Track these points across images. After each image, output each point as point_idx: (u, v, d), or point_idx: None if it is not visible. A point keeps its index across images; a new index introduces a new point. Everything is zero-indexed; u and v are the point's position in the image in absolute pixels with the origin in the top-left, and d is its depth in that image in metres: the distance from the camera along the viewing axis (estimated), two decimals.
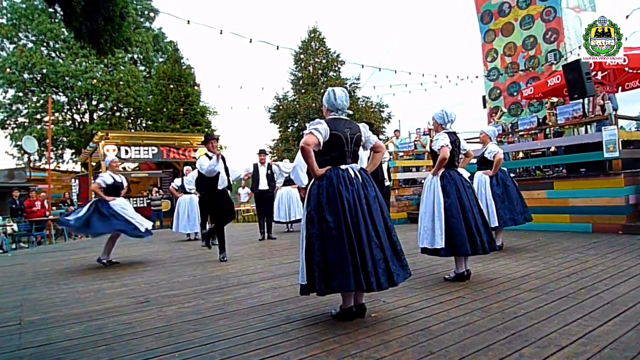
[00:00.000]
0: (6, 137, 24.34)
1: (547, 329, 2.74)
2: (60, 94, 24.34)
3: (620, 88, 10.63)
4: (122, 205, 6.74)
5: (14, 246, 12.25)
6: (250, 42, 9.64)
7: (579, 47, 12.26)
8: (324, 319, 3.21)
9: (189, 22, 8.48)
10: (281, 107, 28.00)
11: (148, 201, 16.53)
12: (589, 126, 8.63)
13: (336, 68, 28.42)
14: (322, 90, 25.11)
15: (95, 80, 22.10)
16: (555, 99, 10.71)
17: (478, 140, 6.08)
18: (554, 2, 12.82)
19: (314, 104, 25.47)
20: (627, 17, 9.70)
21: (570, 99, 8.73)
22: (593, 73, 8.79)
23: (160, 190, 16.81)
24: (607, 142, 6.99)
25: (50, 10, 23.03)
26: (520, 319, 2.97)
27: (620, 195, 6.88)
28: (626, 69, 9.50)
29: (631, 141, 7.85)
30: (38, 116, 24.19)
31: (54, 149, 24.86)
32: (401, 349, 2.54)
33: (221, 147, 23.73)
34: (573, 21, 13.02)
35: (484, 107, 14.95)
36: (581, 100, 8.50)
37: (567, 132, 9.79)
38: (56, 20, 23.42)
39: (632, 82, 10.75)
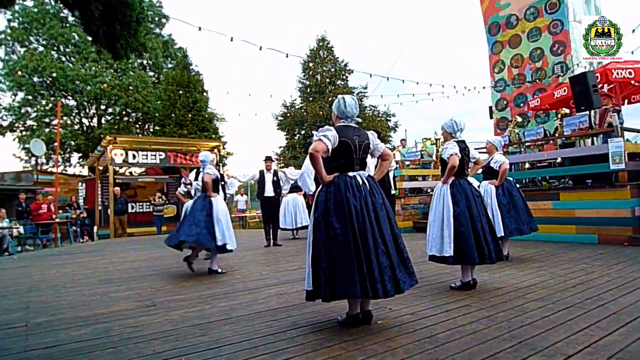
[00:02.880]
0: (14, 139, 24.55)
1: (553, 338, 2.74)
2: (69, 97, 24.55)
3: (626, 101, 10.64)
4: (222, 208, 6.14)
5: (19, 249, 12.33)
6: (260, 49, 9.73)
7: (585, 60, 12.31)
8: (330, 325, 3.22)
9: (200, 28, 8.59)
10: (288, 115, 28.13)
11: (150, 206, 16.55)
12: (595, 138, 8.63)
13: (344, 77, 28.55)
14: (330, 99, 25.24)
15: (104, 85, 22.30)
16: (566, 110, 10.72)
17: (484, 150, 6.09)
18: (561, 15, 12.87)
19: (321, 112, 25.56)
20: (633, 31, 9.72)
21: (577, 110, 8.75)
22: (600, 86, 8.81)
23: (163, 196, 16.87)
24: (614, 154, 6.99)
25: (62, 14, 23.39)
26: (527, 327, 2.97)
27: (627, 207, 6.86)
28: (632, 82, 9.51)
29: (637, 153, 7.84)
30: (47, 119, 24.38)
31: (62, 152, 25.03)
32: (408, 356, 2.55)
33: (222, 160, 23.74)
34: (580, 34, 13.04)
35: (491, 117, 14.95)
36: (587, 112, 8.51)
37: (576, 144, 9.78)
38: (67, 25, 23.72)
39: (638, 95, 10.76)
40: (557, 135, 9.75)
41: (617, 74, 8.59)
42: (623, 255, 5.84)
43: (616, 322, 2.99)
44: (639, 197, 7.03)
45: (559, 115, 10.44)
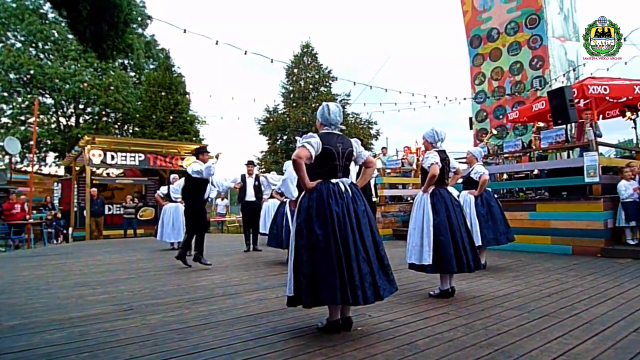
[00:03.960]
0: None
1: (529, 346, 2.80)
2: (47, 95, 24.00)
3: (601, 116, 10.97)
4: None
5: None
6: (246, 54, 9.71)
7: (563, 75, 12.69)
8: (310, 332, 3.22)
9: (185, 31, 8.52)
10: (271, 120, 28.06)
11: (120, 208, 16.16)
12: (571, 151, 8.87)
13: (327, 84, 28.67)
14: (313, 105, 25.30)
15: (84, 84, 21.88)
16: (542, 124, 11.00)
17: (465, 160, 6.20)
18: (541, 31, 13.23)
19: (304, 118, 25.60)
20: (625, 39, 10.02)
21: (554, 124, 8.99)
22: (576, 101, 9.07)
23: (135, 199, 16.61)
24: (588, 167, 7.19)
25: (42, 11, 22.92)
26: (503, 335, 3.03)
27: (600, 219, 7.07)
28: (607, 98, 9.81)
29: (610, 167, 8.09)
30: (22, 117, 23.79)
31: (37, 151, 24.44)
32: None
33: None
34: (558, 50, 13.44)
35: (471, 128, 15.22)
36: (564, 126, 8.75)
37: (550, 157, 10.03)
38: (47, 22, 23.24)
39: (612, 111, 11.11)
40: (533, 147, 9.98)
41: (593, 89, 8.86)
42: (596, 266, 6.01)
43: (589, 331, 3.08)
44: (612, 209, 7.24)
45: (534, 128, 10.71)
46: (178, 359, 2.72)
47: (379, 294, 3.04)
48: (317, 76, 28.26)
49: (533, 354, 2.66)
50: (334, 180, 3.20)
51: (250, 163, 9.01)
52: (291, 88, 28.58)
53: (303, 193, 3.26)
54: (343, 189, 3.18)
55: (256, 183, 8.76)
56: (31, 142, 16.14)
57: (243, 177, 8.78)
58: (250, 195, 8.67)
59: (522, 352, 2.70)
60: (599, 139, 9.33)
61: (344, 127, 3.44)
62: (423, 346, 2.84)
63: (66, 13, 3.17)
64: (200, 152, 6.76)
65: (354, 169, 4.62)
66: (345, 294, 2.90)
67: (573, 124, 8.87)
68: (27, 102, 23.07)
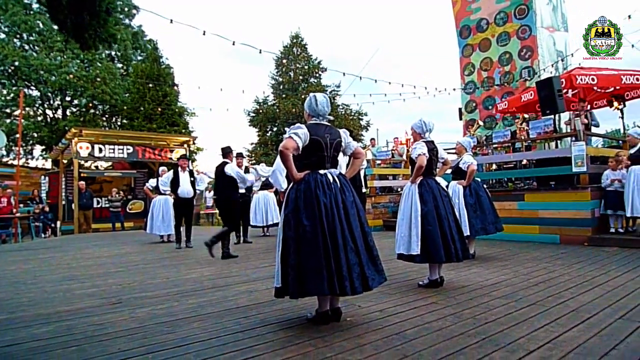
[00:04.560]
0: None
1: (516, 334, 2.83)
2: (32, 88, 23.62)
3: (589, 106, 11.05)
4: None
5: None
6: (234, 44, 9.62)
7: (552, 65, 12.75)
8: (300, 323, 3.22)
9: (172, 21, 8.40)
10: (261, 111, 27.93)
11: (107, 202, 15.98)
12: (559, 141, 8.93)
13: (317, 75, 28.56)
14: (303, 96, 25.18)
15: (70, 76, 21.55)
16: (527, 115, 11.06)
17: (454, 150, 6.22)
18: (530, 21, 13.25)
19: (293, 109, 25.49)
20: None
21: (543, 114, 9.04)
22: (564, 91, 9.12)
23: (122, 192, 16.45)
24: (576, 157, 7.26)
25: (26, 1, 22.45)
26: (491, 324, 3.05)
27: (587, 208, 7.14)
28: (595, 88, 9.90)
29: (598, 157, 8.17)
30: (8, 110, 23.40)
31: (24, 144, 24.10)
32: (375, 352, 2.58)
33: (192, 156, 23.44)
34: (547, 40, 13.47)
35: (460, 119, 15.27)
36: (552, 116, 8.80)
37: (539, 147, 10.11)
38: (31, 12, 22.80)
39: (600, 101, 11.21)
40: (521, 138, 10.04)
41: (581, 79, 8.92)
42: (583, 254, 6.08)
43: (575, 319, 3.11)
44: (599, 199, 7.32)
45: (518, 120, 10.79)
46: (166, 351, 2.71)
47: (368, 285, 3.04)
48: (306, 67, 28.13)
49: (520, 342, 2.68)
50: (322, 171, 3.19)
51: (239, 155, 8.94)
52: (281, 79, 28.45)
53: (291, 184, 3.24)
54: (331, 180, 3.17)
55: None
56: (17, 135, 15.89)
57: None
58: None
59: (509, 340, 2.72)
60: (595, 128, 9.44)
61: (332, 118, 3.41)
62: (411, 336, 2.86)
63: (46, 2, 3.10)
64: (229, 152, 7.12)
65: (344, 159, 4.62)
66: (333, 285, 2.90)
67: (561, 114, 8.91)
68: (12, 95, 22.67)
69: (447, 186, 4.78)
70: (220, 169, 6.92)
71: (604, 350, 2.52)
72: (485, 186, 6.45)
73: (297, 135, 3.10)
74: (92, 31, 3.23)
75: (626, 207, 6.75)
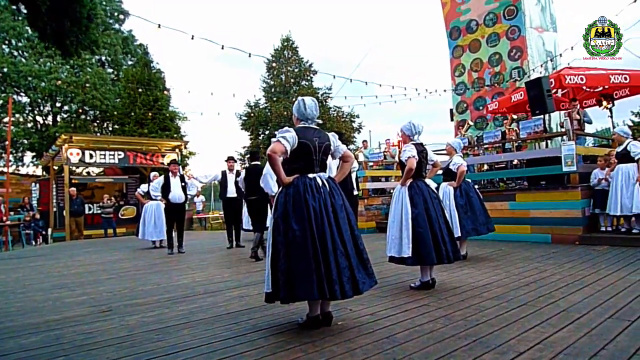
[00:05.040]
0: None
1: (506, 335, 2.83)
2: (22, 94, 23.42)
3: (578, 105, 11.14)
4: None
5: None
6: (222, 48, 9.58)
7: (541, 65, 12.84)
8: (291, 328, 3.21)
9: (159, 26, 8.37)
10: (252, 115, 27.90)
11: (98, 208, 15.83)
12: (549, 141, 8.98)
13: (308, 77, 28.60)
14: (294, 99, 25.17)
15: (59, 82, 21.37)
16: (515, 116, 11.13)
17: (445, 152, 6.23)
18: (519, 22, 13.35)
19: (285, 112, 25.47)
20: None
21: (532, 114, 9.09)
22: (554, 90, 9.18)
23: (113, 198, 16.34)
24: (566, 156, 7.30)
25: (14, 7, 22.28)
26: (482, 326, 3.05)
27: (577, 207, 7.19)
28: (584, 87, 9.98)
29: (588, 156, 8.23)
30: None
31: (14, 151, 23.87)
32: (366, 357, 2.57)
33: (184, 161, 23.38)
34: (536, 40, 13.58)
35: (452, 120, 15.34)
36: (542, 116, 8.85)
37: (530, 147, 10.16)
38: (19, 18, 22.58)
39: (589, 100, 11.31)
40: (510, 138, 10.09)
41: (570, 79, 8.98)
42: (574, 254, 6.11)
43: (565, 319, 3.12)
44: (589, 198, 7.37)
45: (506, 121, 10.86)
46: (156, 359, 2.68)
47: (358, 288, 3.03)
48: (297, 70, 28.15)
49: (510, 343, 2.68)
50: (311, 175, 3.18)
51: (230, 159, 8.92)
52: (272, 82, 28.45)
53: (280, 188, 3.23)
54: (320, 184, 3.16)
55: (237, 179, 8.68)
56: (6, 142, 15.73)
57: (224, 174, 8.69)
58: (232, 192, 8.59)
59: (499, 341, 2.72)
60: (588, 125, 9.49)
61: (320, 121, 3.41)
62: (402, 339, 2.85)
63: (25, 8, 3.06)
64: (256, 153, 7.75)
65: (334, 163, 4.61)
66: (323, 289, 2.88)
67: (551, 114, 8.94)
68: (0, 101, 22.47)
69: (437, 188, 4.79)
70: (257, 169, 6.90)
71: (593, 350, 2.52)
72: (476, 187, 6.47)
73: (285, 139, 3.09)
74: (73, 38, 3.19)
75: (610, 205, 6.79)
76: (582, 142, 8.52)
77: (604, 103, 10.29)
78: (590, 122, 9.77)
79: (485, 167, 10.72)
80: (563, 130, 8.60)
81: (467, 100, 14.80)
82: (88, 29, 3.30)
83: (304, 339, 2.92)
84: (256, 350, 2.76)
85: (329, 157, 3.41)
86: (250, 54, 10.29)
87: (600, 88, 10.14)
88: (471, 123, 13.18)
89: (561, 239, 7.24)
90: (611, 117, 10.35)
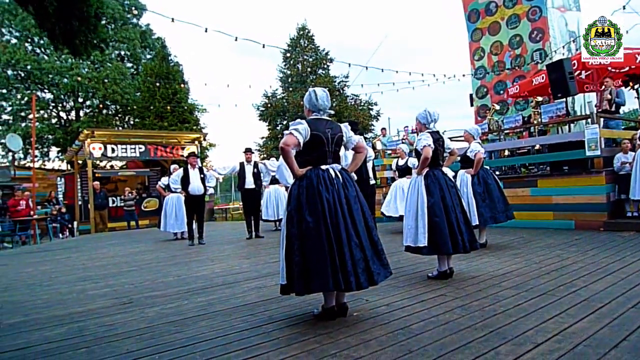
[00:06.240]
0: None
1: (524, 326, 2.78)
2: (45, 91, 23.98)
3: (603, 87, 10.78)
4: None
5: None
6: (236, 40, 9.59)
7: (563, 47, 12.45)
8: (306, 319, 3.22)
9: (173, 20, 8.41)
10: (270, 105, 27.89)
11: (121, 201, 16.14)
12: (572, 124, 8.74)
13: (325, 66, 28.38)
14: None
15: (80, 78, 21.78)
16: (540, 98, 10.84)
17: (462, 138, 6.14)
18: (540, 2, 12.95)
19: (302, 102, 25.37)
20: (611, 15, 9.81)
21: (554, 98, 8.85)
22: (577, 72, 8.90)
23: (134, 191, 16.62)
24: (589, 140, 7.09)
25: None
26: (499, 316, 3.01)
27: (602, 192, 6.99)
28: (609, 68, 9.63)
29: (612, 139, 7.98)
30: (22, 114, 23.80)
31: (40, 146, 24.52)
32: (380, 348, 2.57)
33: (203, 153, 23.59)
34: (558, 21, 13.16)
35: (471, 105, 15.06)
36: (564, 99, 8.61)
37: (552, 131, 9.91)
38: None
39: (615, 82, 10.90)
40: (533, 122, 9.85)
41: (594, 60, 8.69)
42: (598, 240, 5.96)
43: (586, 309, 3.05)
44: (614, 182, 7.16)
45: (533, 103, 10.56)
46: (173, 351, 2.73)
47: (373, 279, 3.02)
48: (313, 59, 27.96)
49: (528, 335, 2.64)
50: (324, 167, 3.16)
51: (248, 150, 8.97)
52: (289, 72, 28.33)
53: (293, 180, 3.23)
54: (333, 175, 3.14)
55: (255, 170, 8.73)
56: (32, 139, 16.16)
57: (242, 165, 8.75)
58: (250, 183, 8.65)
59: (516, 332, 2.68)
60: (622, 107, 9.19)
61: (332, 112, 3.38)
62: (417, 330, 2.83)
63: (33, 10, 3.09)
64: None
65: (349, 153, 4.58)
66: (338, 281, 2.88)
67: (598, 93, 8.69)
68: (26, 98, 23.08)
69: (454, 176, 4.72)
70: None
71: (614, 341, 2.46)
72: (497, 173, 6.35)
73: (298, 131, 3.08)
74: (82, 37, 3.22)
75: (635, 190, 6.58)
76: (613, 126, 8.25)
77: (631, 84, 9.93)
78: (623, 104, 9.39)
79: (507, 152, 10.50)
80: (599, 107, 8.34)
81: (487, 85, 14.49)
82: (96, 27, 3.33)
83: (319, 330, 2.93)
84: (271, 342, 2.78)
85: (342, 148, 3.39)
86: (264, 44, 10.28)
87: (627, 68, 9.77)
88: (497, 107, 12.83)
89: (585, 225, 7.07)
90: (638, 98, 9.98)
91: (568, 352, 2.35)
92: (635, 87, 9.98)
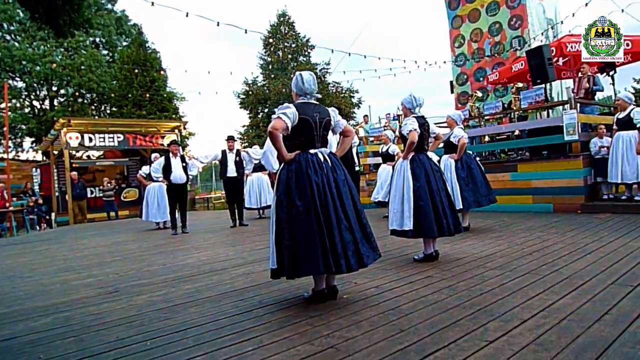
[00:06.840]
0: None
1: (510, 304, 2.86)
2: (17, 79, 23.18)
3: (580, 73, 10.99)
4: None
5: None
6: (218, 25, 9.43)
7: (542, 34, 12.63)
8: (297, 302, 3.24)
9: (153, 3, 8.21)
10: (251, 93, 27.56)
11: (100, 192, 15.85)
12: (550, 110, 8.90)
13: (306, 53, 28.14)
14: (292, 76, 24.87)
15: (54, 65, 21.09)
16: (520, 84, 11.00)
17: (445, 124, 6.20)
18: None
19: (284, 89, 25.17)
20: (586, 4, 9.99)
21: (533, 84, 8.99)
22: (555, 59, 9.05)
23: (112, 181, 16.33)
24: (567, 125, 7.25)
25: None
26: (486, 295, 3.08)
27: (579, 176, 7.18)
28: None
29: (589, 124, 8.17)
30: None
31: (13, 137, 23.77)
32: (372, 328, 2.60)
33: (183, 141, 23.32)
34: (536, 8, 13.33)
35: (452, 92, 15.20)
36: (543, 85, 8.75)
37: (531, 117, 10.08)
38: (10, 1, 22.21)
39: (591, 68, 11.13)
40: (513, 108, 10.00)
41: (571, 47, 8.85)
42: (576, 222, 6.13)
43: (569, 286, 3.15)
44: (590, 166, 7.35)
45: (513, 89, 10.71)
46: (164, 337, 2.72)
47: (363, 262, 3.05)
48: (294, 45, 27.71)
49: (514, 312, 2.71)
50: (312, 151, 3.16)
51: (230, 138, 8.88)
52: (269, 59, 28.00)
53: (282, 165, 3.22)
54: (322, 159, 3.14)
55: (237, 158, 8.66)
56: (4, 129, 15.67)
57: (224, 153, 8.67)
58: (232, 171, 8.58)
59: (503, 310, 2.75)
60: (599, 93, 9.37)
61: (319, 96, 3.37)
62: (407, 310, 2.88)
63: None
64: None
65: (334, 138, 4.58)
66: (328, 264, 2.90)
67: (576, 79, 8.84)
68: None
69: (439, 160, 4.77)
70: None
71: (597, 315, 2.55)
72: (478, 159, 6.46)
73: (286, 115, 3.06)
74: (66, 17, 3.11)
75: (612, 173, 6.76)
76: (589, 112, 8.43)
77: (606, 70, 10.15)
78: (601, 90, 9.59)
79: (487, 138, 10.66)
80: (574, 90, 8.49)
81: (468, 72, 14.63)
82: (80, 7, 3.23)
83: (311, 313, 2.96)
84: (263, 325, 2.79)
85: (330, 132, 3.39)
86: (246, 30, 10.13)
87: None
88: (479, 94, 12.97)
89: (563, 208, 7.26)
90: (613, 84, 10.21)
91: (554, 326, 2.43)
92: (611, 73, 10.20)
